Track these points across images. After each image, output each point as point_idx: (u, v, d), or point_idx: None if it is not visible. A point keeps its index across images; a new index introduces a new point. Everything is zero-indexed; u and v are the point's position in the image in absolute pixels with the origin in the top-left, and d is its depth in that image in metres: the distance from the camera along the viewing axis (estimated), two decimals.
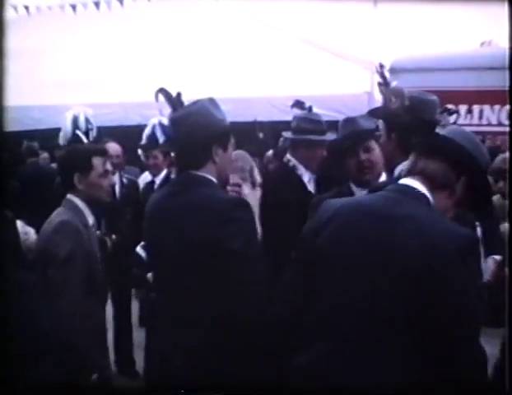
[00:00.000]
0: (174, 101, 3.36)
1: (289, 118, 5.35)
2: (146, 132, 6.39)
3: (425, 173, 2.70)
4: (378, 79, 3.89)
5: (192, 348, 3.16)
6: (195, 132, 3.19)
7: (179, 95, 3.37)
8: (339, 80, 9.28)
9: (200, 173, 3.23)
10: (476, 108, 7.55)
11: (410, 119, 3.45)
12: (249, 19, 11.22)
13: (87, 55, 10.49)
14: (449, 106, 4.26)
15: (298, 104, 5.25)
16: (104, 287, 4.05)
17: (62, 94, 9.21)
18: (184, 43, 10.41)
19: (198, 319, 3.17)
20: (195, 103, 3.30)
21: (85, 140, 5.87)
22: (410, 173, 2.74)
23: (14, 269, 2.91)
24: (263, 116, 9.04)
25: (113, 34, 10.93)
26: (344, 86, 9.03)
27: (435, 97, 3.58)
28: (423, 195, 2.69)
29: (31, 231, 4.02)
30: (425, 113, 3.48)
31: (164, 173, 6.36)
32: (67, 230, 3.74)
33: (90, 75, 9.98)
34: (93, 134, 6.01)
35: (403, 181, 2.75)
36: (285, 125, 5.57)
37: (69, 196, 3.92)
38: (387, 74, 3.86)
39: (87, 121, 6.07)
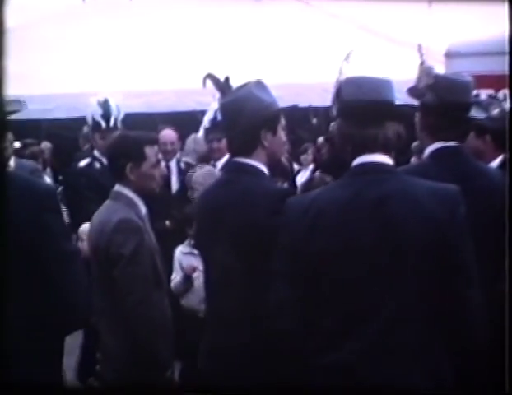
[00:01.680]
0: (223, 86, 3.33)
1: None
2: (209, 116, 6.39)
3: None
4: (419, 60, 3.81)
5: (235, 347, 3.16)
6: (241, 118, 3.15)
7: (227, 79, 3.33)
8: (393, 65, 9.20)
9: (248, 161, 3.18)
10: None
11: (432, 98, 3.38)
12: (303, 4, 11.18)
13: (139, 41, 10.53)
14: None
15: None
16: (165, 279, 4.01)
17: (113, 81, 9.25)
18: (240, 27, 10.40)
19: (240, 316, 3.17)
20: (241, 87, 3.26)
21: (103, 125, 5.76)
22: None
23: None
24: (317, 101, 9.01)
25: (164, 19, 10.96)
26: (398, 72, 8.94)
27: (469, 79, 3.45)
28: (390, 167, 2.70)
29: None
30: (450, 94, 3.40)
31: (226, 157, 6.39)
32: (128, 227, 3.62)
33: (143, 61, 10.04)
34: (118, 120, 5.88)
35: (366, 159, 2.71)
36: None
37: (118, 187, 3.78)
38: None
39: (112, 107, 5.94)
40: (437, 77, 3.42)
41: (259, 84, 3.25)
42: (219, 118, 6.26)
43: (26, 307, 2.69)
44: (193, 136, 7.41)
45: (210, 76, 3.34)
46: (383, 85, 2.74)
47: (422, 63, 3.71)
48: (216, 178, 3.41)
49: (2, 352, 2.68)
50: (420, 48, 3.76)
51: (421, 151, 3.68)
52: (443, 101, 3.31)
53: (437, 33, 8.92)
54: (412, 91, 3.50)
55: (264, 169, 3.21)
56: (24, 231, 2.65)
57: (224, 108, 3.27)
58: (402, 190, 2.62)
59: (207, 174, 5.72)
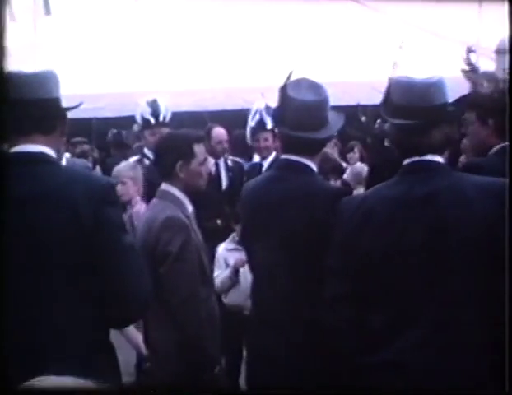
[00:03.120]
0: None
1: None
2: (254, 114, 6.41)
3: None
4: (463, 65, 3.76)
5: (284, 346, 3.17)
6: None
7: (289, 77, 3.36)
8: (441, 61, 9.13)
9: (299, 158, 3.21)
10: None
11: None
12: (352, 3, 11.14)
13: (189, 40, 10.59)
14: None
15: None
16: (212, 276, 4.03)
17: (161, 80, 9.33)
18: (288, 26, 10.41)
19: (291, 315, 3.18)
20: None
21: (153, 121, 5.84)
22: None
23: None
24: (366, 100, 8.99)
25: (214, 18, 11.01)
26: (446, 68, 8.88)
27: None
28: (440, 164, 2.69)
29: None
30: None
31: (273, 156, 6.40)
32: (175, 225, 3.63)
33: (192, 60, 10.10)
34: (167, 118, 5.97)
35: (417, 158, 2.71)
36: None
37: (165, 186, 3.77)
38: (473, 58, 3.72)
39: (161, 106, 6.03)
40: (506, 82, 3.37)
41: (304, 82, 3.28)
42: (264, 117, 6.32)
43: (85, 298, 2.74)
44: None
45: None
46: (433, 88, 2.73)
47: (474, 70, 3.66)
48: (265, 175, 3.43)
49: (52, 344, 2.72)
50: (469, 52, 3.72)
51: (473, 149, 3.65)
52: None
53: (488, 29, 8.82)
54: (474, 99, 3.48)
55: (315, 167, 3.22)
56: (85, 224, 2.68)
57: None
58: (451, 186, 2.61)
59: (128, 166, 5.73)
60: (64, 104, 2.89)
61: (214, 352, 3.68)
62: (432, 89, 2.72)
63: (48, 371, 2.55)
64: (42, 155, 2.78)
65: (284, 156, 3.27)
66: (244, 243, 3.70)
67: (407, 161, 2.70)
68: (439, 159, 2.68)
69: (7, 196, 2.68)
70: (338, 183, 4.95)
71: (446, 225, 2.55)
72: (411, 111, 2.67)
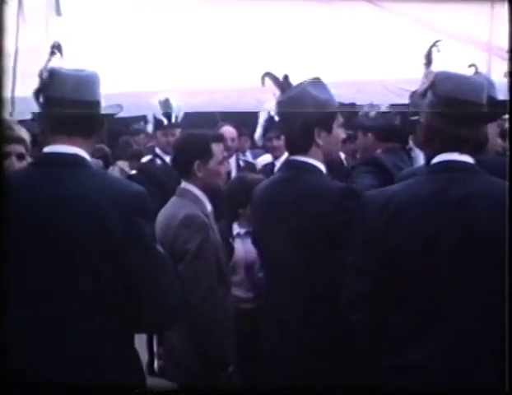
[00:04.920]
0: (283, 84, 3.37)
1: (403, 101, 5.28)
2: (266, 114, 6.43)
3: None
4: (500, 64, 3.75)
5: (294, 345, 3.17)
6: (295, 116, 3.19)
7: (286, 77, 3.37)
8: (454, 62, 9.09)
9: (306, 159, 3.22)
10: None
11: None
12: (364, 2, 11.10)
13: (200, 39, 10.58)
14: None
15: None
16: (229, 275, 4.04)
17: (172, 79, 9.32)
18: (298, 25, 10.39)
19: (304, 315, 3.17)
20: (297, 86, 3.30)
21: (165, 122, 5.86)
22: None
23: None
24: (378, 99, 8.95)
25: (224, 17, 11.00)
26: (459, 69, 8.84)
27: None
28: (473, 165, 2.69)
29: None
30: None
31: (285, 155, 6.39)
32: (194, 223, 3.69)
33: (204, 59, 10.09)
34: (179, 118, 6.00)
35: (448, 157, 2.71)
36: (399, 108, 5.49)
37: (185, 185, 3.86)
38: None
39: (173, 105, 6.05)
40: None
41: (315, 82, 3.28)
42: (276, 116, 6.33)
43: (113, 308, 2.72)
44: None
45: (268, 74, 3.39)
46: (479, 86, 2.74)
47: None
48: (275, 176, 3.45)
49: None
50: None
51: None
52: None
53: (501, 29, 8.78)
54: None
55: (322, 167, 3.23)
56: (112, 231, 2.68)
57: (280, 106, 3.31)
58: (485, 190, 2.61)
59: None
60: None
61: (228, 351, 3.69)
62: (483, 86, 2.73)
63: (75, 378, 2.57)
64: (76, 157, 2.79)
65: (292, 157, 3.28)
66: (256, 242, 3.71)
67: (438, 159, 2.68)
68: (470, 159, 2.67)
69: (35, 195, 2.68)
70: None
71: (479, 229, 2.54)
72: (464, 104, 2.66)
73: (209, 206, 3.86)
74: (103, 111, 2.94)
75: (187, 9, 11.28)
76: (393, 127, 5.04)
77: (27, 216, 2.72)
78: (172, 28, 10.82)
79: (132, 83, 9.85)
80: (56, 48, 3.00)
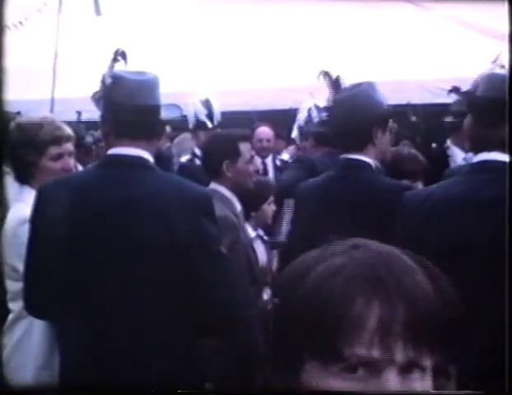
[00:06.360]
0: (334, 84, 3.41)
1: (441, 100, 5.27)
2: (303, 114, 6.44)
3: None
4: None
5: None
6: (357, 114, 3.25)
7: (338, 78, 3.42)
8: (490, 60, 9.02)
9: (360, 157, 3.26)
10: None
11: None
12: (402, 1, 11.06)
13: (236, 39, 10.60)
14: None
15: (455, 89, 5.18)
16: (261, 274, 4.06)
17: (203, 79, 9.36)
18: (338, 26, 10.38)
19: None
20: (357, 85, 3.35)
21: (209, 125, 5.91)
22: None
23: None
24: (415, 99, 8.91)
25: (261, 17, 11.01)
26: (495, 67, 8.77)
27: None
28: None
29: None
30: None
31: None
32: (225, 224, 3.60)
33: (240, 59, 10.11)
34: (217, 119, 6.03)
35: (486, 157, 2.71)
36: (437, 108, 5.49)
37: (214, 185, 3.84)
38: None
39: (213, 105, 6.10)
40: None
41: (371, 84, 3.33)
42: (313, 115, 6.33)
43: (177, 308, 2.76)
44: (182, 135, 7.64)
45: (325, 73, 3.43)
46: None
47: None
48: (326, 174, 3.48)
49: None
50: None
51: None
52: None
53: None
54: None
55: (376, 165, 3.29)
56: (178, 233, 2.72)
57: (338, 104, 3.35)
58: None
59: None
60: None
61: (262, 349, 3.70)
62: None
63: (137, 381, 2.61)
64: (141, 159, 2.84)
65: (346, 155, 3.32)
66: (300, 239, 3.69)
67: (477, 159, 2.69)
68: (506, 158, 2.67)
69: (102, 196, 2.73)
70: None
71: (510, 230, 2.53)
72: (494, 104, 2.66)
73: (239, 207, 3.86)
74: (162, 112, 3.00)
75: (222, 9, 11.32)
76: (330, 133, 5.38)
77: (94, 217, 2.77)
78: (207, 28, 10.86)
79: (167, 83, 9.91)
80: (120, 55, 3.06)
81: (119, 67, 3.07)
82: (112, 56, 3.10)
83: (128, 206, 2.74)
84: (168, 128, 6.90)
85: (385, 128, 3.35)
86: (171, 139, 7.41)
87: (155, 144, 2.96)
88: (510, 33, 2.81)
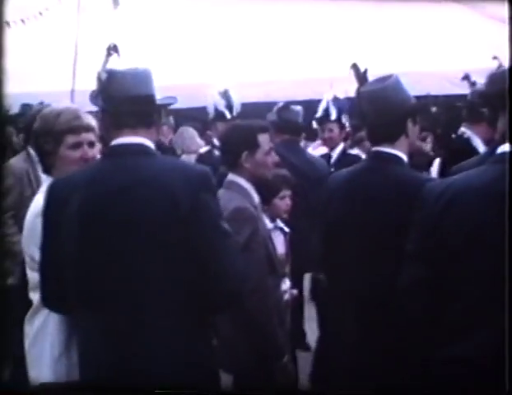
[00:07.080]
0: (362, 77, 3.43)
1: (461, 91, 5.25)
2: (322, 105, 6.44)
3: None
4: None
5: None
6: (392, 106, 3.27)
7: (366, 71, 3.43)
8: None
9: (392, 150, 3.28)
10: None
11: None
12: None
13: (256, 31, 10.60)
14: None
15: (466, 77, 5.18)
16: (280, 265, 4.07)
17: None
18: (358, 17, 10.35)
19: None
20: (387, 78, 3.36)
21: (228, 116, 5.93)
22: None
23: None
24: (436, 90, 8.87)
25: (281, 9, 11.00)
26: None
27: None
28: None
29: None
30: None
31: (341, 147, 6.40)
32: (243, 216, 3.70)
33: (260, 50, 10.11)
34: (237, 110, 6.07)
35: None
36: (457, 99, 5.47)
37: (232, 176, 3.87)
38: None
39: (232, 97, 6.13)
40: None
41: (398, 77, 3.36)
42: (331, 108, 6.32)
43: (182, 282, 2.84)
44: (182, 128, 7.65)
45: (355, 65, 3.45)
46: None
47: None
48: (357, 166, 3.49)
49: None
50: None
51: None
52: None
53: None
54: None
55: (406, 158, 3.29)
56: (183, 210, 2.82)
57: (371, 96, 3.35)
58: None
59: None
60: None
61: (282, 342, 3.70)
62: None
63: (140, 357, 2.68)
64: (142, 145, 2.97)
65: (378, 148, 3.33)
66: (328, 232, 3.65)
67: (500, 150, 2.70)
68: None
69: (110, 185, 2.88)
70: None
71: None
72: None
73: (257, 198, 3.87)
74: (159, 102, 3.11)
75: (243, 1, 11.32)
76: (288, 122, 5.98)
77: (104, 206, 2.88)
78: (227, 20, 10.86)
79: (187, 75, 9.92)
80: (112, 49, 3.18)
81: (114, 60, 3.24)
82: (105, 52, 3.26)
83: (135, 189, 2.86)
84: (171, 119, 6.91)
85: (416, 120, 3.37)
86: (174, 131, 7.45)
87: (155, 132, 3.08)
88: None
